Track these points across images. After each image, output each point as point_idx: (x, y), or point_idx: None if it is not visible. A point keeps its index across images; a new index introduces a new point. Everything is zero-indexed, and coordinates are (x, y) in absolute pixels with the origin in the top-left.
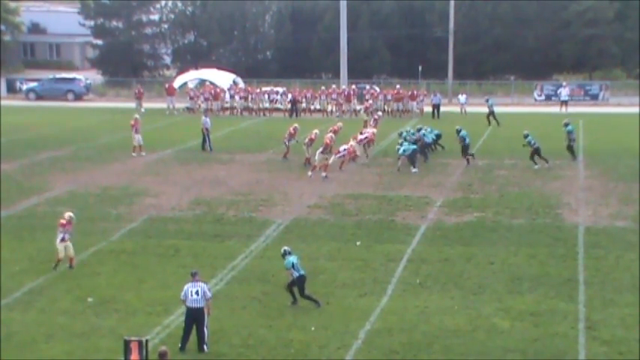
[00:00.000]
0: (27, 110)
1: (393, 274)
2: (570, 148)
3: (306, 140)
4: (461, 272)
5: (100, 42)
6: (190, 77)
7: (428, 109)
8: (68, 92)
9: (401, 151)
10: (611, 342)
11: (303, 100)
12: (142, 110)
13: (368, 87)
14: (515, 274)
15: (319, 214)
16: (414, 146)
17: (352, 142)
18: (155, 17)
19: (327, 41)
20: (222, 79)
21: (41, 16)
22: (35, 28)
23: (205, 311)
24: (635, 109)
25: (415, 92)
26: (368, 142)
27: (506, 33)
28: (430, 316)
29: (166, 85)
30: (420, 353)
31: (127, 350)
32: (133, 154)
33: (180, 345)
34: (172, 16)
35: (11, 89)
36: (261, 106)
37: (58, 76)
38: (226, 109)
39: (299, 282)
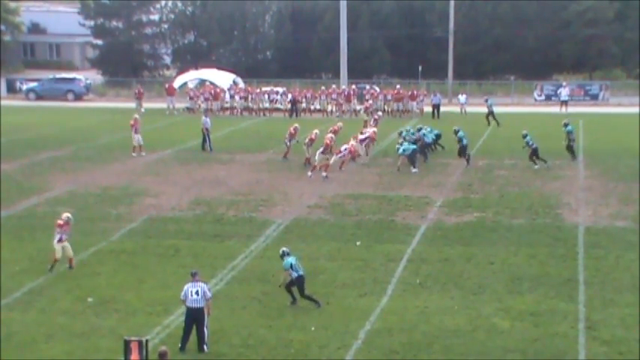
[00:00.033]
0: (27, 110)
1: (393, 274)
2: (570, 148)
3: (307, 140)
4: (461, 272)
5: (100, 42)
6: (190, 77)
7: (428, 109)
8: (68, 92)
9: (400, 150)
10: (611, 342)
11: (303, 100)
12: (142, 110)
13: (368, 87)
14: (515, 274)
15: (319, 214)
16: (414, 146)
17: (353, 142)
18: (155, 17)
19: (327, 41)
20: (222, 79)
21: (41, 16)
22: (35, 28)
23: (205, 311)
24: (635, 109)
25: (415, 92)
26: (369, 142)
27: (506, 33)
28: (430, 316)
29: (166, 85)
30: (420, 353)
31: (127, 350)
32: (133, 154)
33: (180, 345)
34: (172, 16)
35: (11, 89)
36: (261, 106)
37: (58, 76)
38: (226, 109)
39: (298, 282)
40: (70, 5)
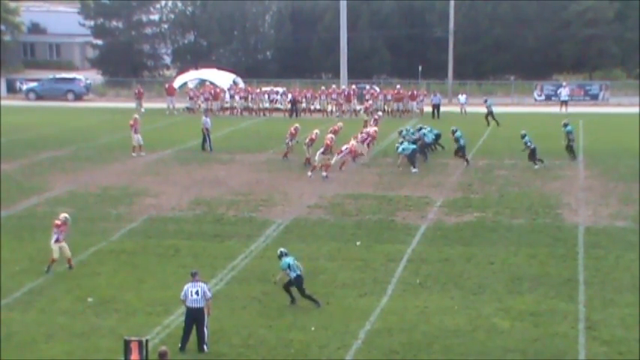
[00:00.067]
0: (27, 110)
1: (393, 274)
2: (570, 148)
3: (307, 140)
4: (461, 272)
5: (100, 42)
6: (190, 77)
7: (428, 109)
8: (68, 92)
9: (400, 149)
10: (611, 342)
11: (303, 100)
12: (142, 110)
13: (368, 87)
14: (515, 274)
15: (319, 214)
16: (414, 146)
17: (353, 142)
18: (155, 17)
19: (327, 41)
20: (222, 79)
21: (41, 16)
22: (35, 28)
23: (205, 311)
24: (635, 109)
25: (415, 92)
26: (371, 140)
27: (506, 33)
28: (430, 316)
29: (166, 85)
30: (420, 353)
31: (127, 350)
32: (133, 154)
33: (180, 345)
34: (172, 16)
35: (11, 89)
36: (261, 106)
37: (58, 76)
38: (226, 109)
39: (297, 282)
40: (70, 5)
